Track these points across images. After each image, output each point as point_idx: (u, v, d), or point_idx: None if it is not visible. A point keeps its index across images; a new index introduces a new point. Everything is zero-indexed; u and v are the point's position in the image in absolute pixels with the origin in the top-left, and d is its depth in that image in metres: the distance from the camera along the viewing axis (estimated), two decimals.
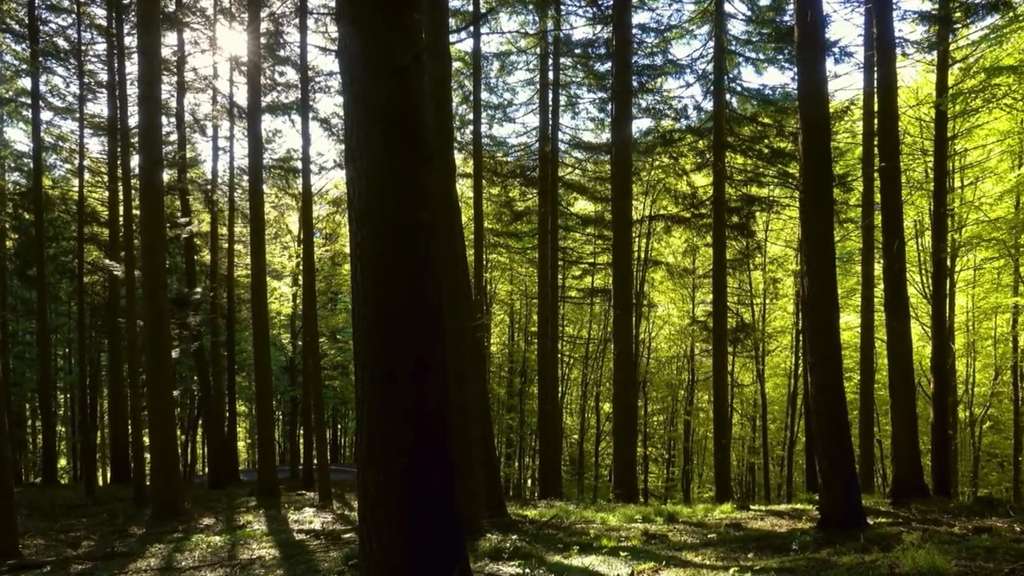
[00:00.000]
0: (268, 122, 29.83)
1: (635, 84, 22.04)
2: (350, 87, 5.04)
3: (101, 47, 25.49)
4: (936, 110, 16.80)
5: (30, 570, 10.60)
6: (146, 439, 19.78)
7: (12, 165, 29.44)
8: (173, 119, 23.89)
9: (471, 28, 19.94)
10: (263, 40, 20.67)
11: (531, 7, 21.31)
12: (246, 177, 23.65)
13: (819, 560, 7.36)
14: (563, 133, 26.07)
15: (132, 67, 20.85)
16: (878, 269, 17.49)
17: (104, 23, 24.31)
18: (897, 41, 15.49)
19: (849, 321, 24.37)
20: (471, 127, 22.83)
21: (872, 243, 18.30)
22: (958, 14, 15.17)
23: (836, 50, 18.65)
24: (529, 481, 36.86)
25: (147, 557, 11.23)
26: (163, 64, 20.18)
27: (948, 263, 19.72)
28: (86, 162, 26.82)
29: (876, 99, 15.18)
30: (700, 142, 23.17)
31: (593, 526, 12.14)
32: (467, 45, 23.08)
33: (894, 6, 14.67)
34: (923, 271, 21.72)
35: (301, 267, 23.59)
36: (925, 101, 20.42)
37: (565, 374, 34.38)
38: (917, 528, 9.56)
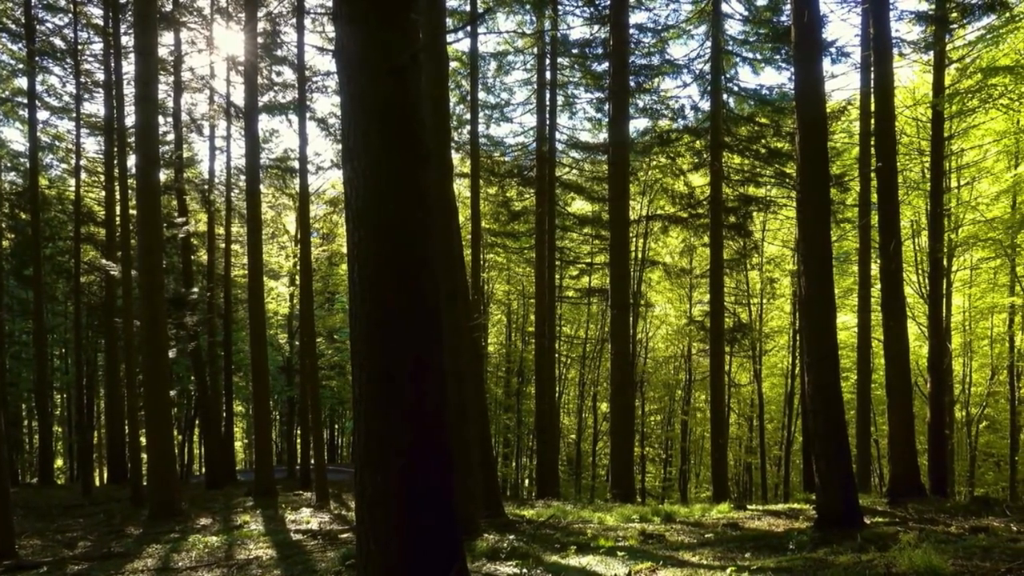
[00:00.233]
0: (265, 122, 29.79)
1: (632, 84, 22.05)
2: (347, 87, 5.04)
3: (98, 47, 25.48)
4: (933, 110, 16.81)
5: (26, 570, 10.58)
6: (143, 439, 19.70)
7: (8, 165, 29.38)
8: (170, 119, 23.87)
9: (468, 28, 19.94)
10: (260, 40, 20.64)
11: (528, 7, 21.32)
12: (243, 177, 23.62)
13: (816, 560, 7.37)
14: (560, 133, 26.10)
15: (129, 67, 20.86)
16: (875, 269, 17.53)
17: (100, 23, 24.26)
18: (894, 41, 15.51)
19: (846, 321, 24.39)
20: (468, 127, 22.85)
21: (869, 243, 18.32)
22: (955, 14, 15.21)
23: (833, 50, 18.68)
24: (526, 481, 36.88)
25: (144, 557, 11.21)
26: (160, 64, 20.16)
27: (945, 263, 19.75)
28: (83, 162, 26.79)
29: (873, 99, 15.21)
30: (697, 142, 23.20)
31: (590, 526, 12.14)
32: (464, 45, 23.13)
33: (891, 6, 14.69)
34: (920, 271, 21.75)
35: (298, 267, 23.58)
36: (922, 101, 20.45)
37: (562, 374, 34.39)
38: (914, 528, 9.58)
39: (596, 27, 23.10)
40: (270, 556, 10.54)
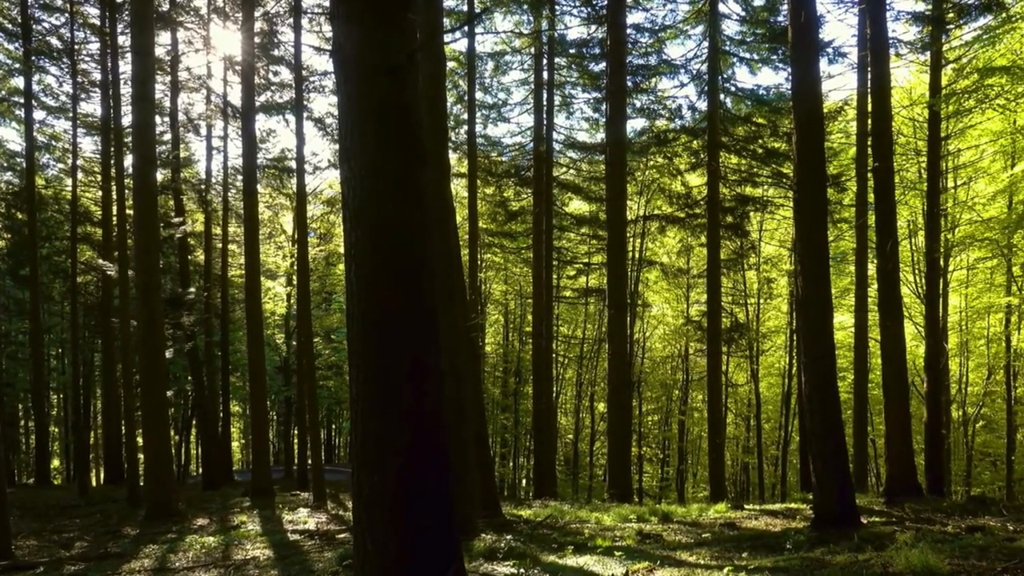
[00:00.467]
0: (262, 122, 29.76)
1: (629, 84, 22.05)
2: (344, 87, 5.03)
3: (94, 46, 25.42)
4: (929, 110, 16.84)
5: (23, 571, 10.56)
6: (139, 439, 19.70)
7: (5, 164, 29.34)
8: (167, 118, 23.83)
9: (466, 28, 19.94)
10: (257, 40, 20.62)
11: (525, 7, 21.34)
12: (240, 177, 23.59)
13: (813, 559, 7.38)
14: (558, 133, 26.12)
15: (126, 66, 20.82)
16: (872, 269, 17.56)
17: (97, 22, 24.22)
18: (891, 41, 15.53)
19: (843, 321, 24.42)
20: (466, 127, 22.84)
21: (866, 243, 18.36)
22: (951, 15, 15.23)
23: (830, 50, 18.70)
24: (524, 481, 36.88)
25: (140, 558, 11.19)
26: (157, 63, 20.13)
27: (941, 263, 19.75)
28: (79, 161, 26.72)
29: (870, 99, 15.24)
30: (694, 142, 23.22)
31: (588, 526, 12.14)
32: (462, 45, 23.08)
33: (888, 6, 14.74)
34: (916, 271, 21.78)
35: (295, 267, 23.56)
36: (918, 101, 20.48)
37: (560, 374, 34.40)
38: (911, 527, 9.59)
39: (593, 27, 23.13)
40: (267, 556, 10.53)
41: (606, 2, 21.25)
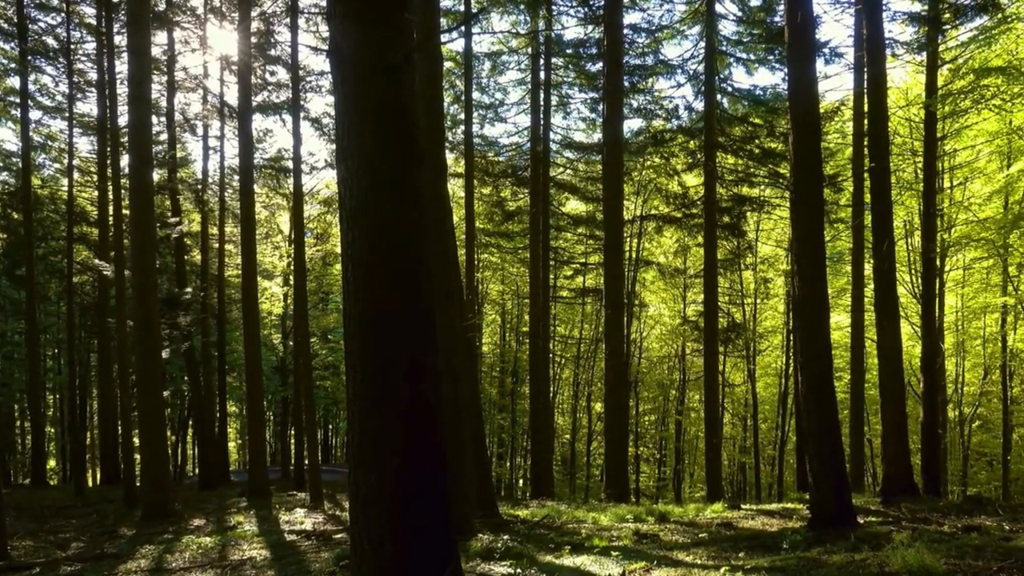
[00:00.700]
0: (259, 122, 29.81)
1: (626, 84, 22.07)
2: (341, 87, 5.03)
3: (91, 46, 25.36)
4: (926, 111, 16.87)
5: (19, 572, 10.54)
6: (136, 440, 19.68)
7: (1, 164, 29.25)
8: (163, 118, 23.79)
9: (462, 28, 19.93)
10: (254, 39, 20.61)
11: (522, 7, 21.32)
12: (237, 177, 23.55)
13: (809, 559, 7.39)
14: (554, 133, 26.11)
15: (122, 66, 20.80)
16: (868, 269, 17.58)
17: (94, 22, 24.18)
18: (887, 42, 15.56)
19: (839, 321, 24.45)
20: (462, 127, 22.83)
21: (862, 243, 18.39)
22: (947, 15, 15.25)
23: (826, 51, 18.71)
24: (521, 481, 36.87)
25: (137, 558, 11.17)
26: (153, 63, 20.10)
27: (938, 263, 19.81)
28: (75, 161, 26.66)
29: (866, 100, 15.25)
30: (691, 142, 23.23)
31: (585, 526, 12.14)
32: (458, 45, 23.09)
33: (884, 7, 14.74)
34: (913, 271, 21.82)
35: (292, 267, 23.52)
36: (915, 102, 20.52)
37: (556, 374, 34.40)
38: (907, 527, 9.60)
39: (590, 27, 23.13)
40: (264, 557, 10.52)
41: (603, 2, 21.26)
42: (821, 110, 15.08)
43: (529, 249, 26.09)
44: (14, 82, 25.33)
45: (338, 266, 32.65)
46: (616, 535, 10.78)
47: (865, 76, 15.26)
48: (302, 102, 22.06)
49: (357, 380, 4.93)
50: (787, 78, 12.80)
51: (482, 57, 24.13)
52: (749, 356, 30.49)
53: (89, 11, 24.69)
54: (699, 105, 22.11)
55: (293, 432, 24.84)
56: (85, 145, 28.36)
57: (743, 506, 15.00)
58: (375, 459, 4.84)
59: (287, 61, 21.42)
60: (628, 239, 27.34)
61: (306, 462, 19.42)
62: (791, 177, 10.72)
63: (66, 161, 26.51)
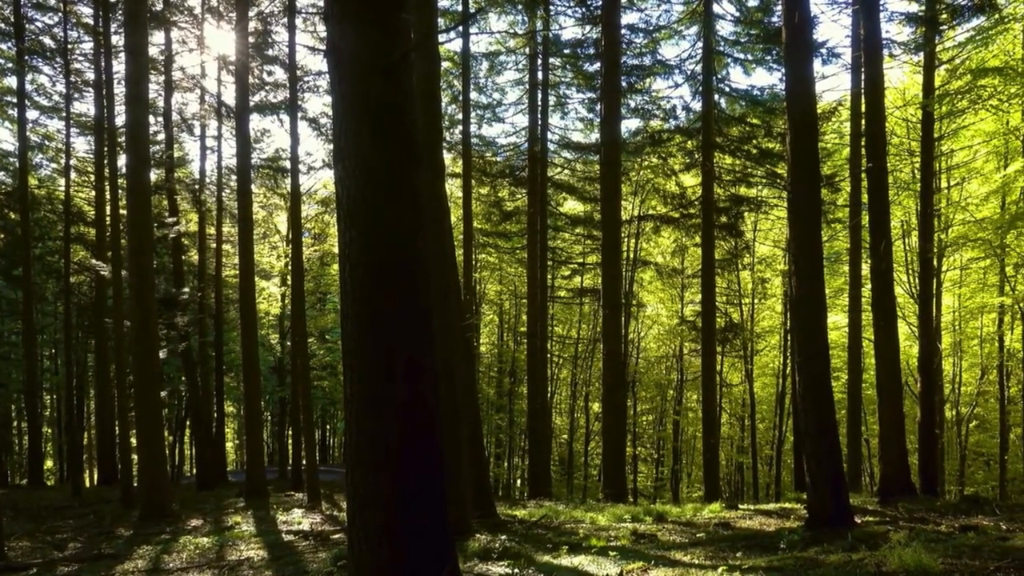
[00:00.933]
0: (256, 121, 29.69)
1: (624, 84, 22.08)
2: (338, 86, 5.03)
3: (88, 46, 25.33)
4: (923, 111, 16.89)
5: (16, 572, 10.52)
6: (133, 440, 19.66)
7: None
8: (160, 118, 23.75)
9: (460, 28, 19.93)
10: (251, 39, 20.58)
11: (520, 7, 21.32)
12: (234, 177, 23.56)
13: (807, 559, 7.39)
14: (552, 133, 26.11)
15: (119, 66, 20.72)
16: (865, 269, 17.59)
17: (91, 22, 24.13)
18: (884, 42, 15.58)
19: (837, 321, 24.47)
20: (460, 127, 22.84)
21: (859, 243, 18.39)
22: (944, 16, 15.26)
23: (824, 51, 18.74)
24: (518, 481, 36.86)
25: (134, 559, 11.16)
26: (150, 63, 20.06)
27: (935, 263, 19.82)
28: (73, 161, 26.63)
29: (863, 100, 15.26)
30: (689, 142, 23.22)
31: (582, 526, 12.15)
32: (456, 45, 23.10)
33: (881, 7, 14.75)
34: (910, 271, 21.85)
35: (290, 267, 23.53)
36: (912, 102, 20.53)
37: (554, 374, 34.39)
38: (904, 526, 9.62)
39: (588, 27, 23.13)
40: (261, 557, 10.52)
41: (601, 2, 21.27)
42: (819, 110, 15.08)
43: (527, 249, 26.09)
44: (11, 82, 25.31)
45: (336, 266, 32.60)
46: (614, 535, 10.79)
47: (862, 76, 15.28)
48: (300, 102, 22.04)
49: (354, 380, 4.93)
50: (784, 78, 12.82)
51: (480, 57, 24.14)
52: (747, 356, 30.51)
53: (86, 11, 24.67)
54: (697, 105, 22.12)
55: (291, 432, 24.80)
56: (82, 145, 28.33)
57: (741, 506, 15.01)
58: (372, 459, 4.85)
59: (285, 61, 21.40)
60: (626, 239, 27.35)
61: (304, 462, 19.41)
62: (788, 177, 10.72)
63: (63, 161, 26.47)
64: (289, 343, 27.62)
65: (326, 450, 47.17)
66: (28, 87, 25.21)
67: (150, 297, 15.81)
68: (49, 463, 37.88)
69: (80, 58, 25.63)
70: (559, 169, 28.33)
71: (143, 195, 15.82)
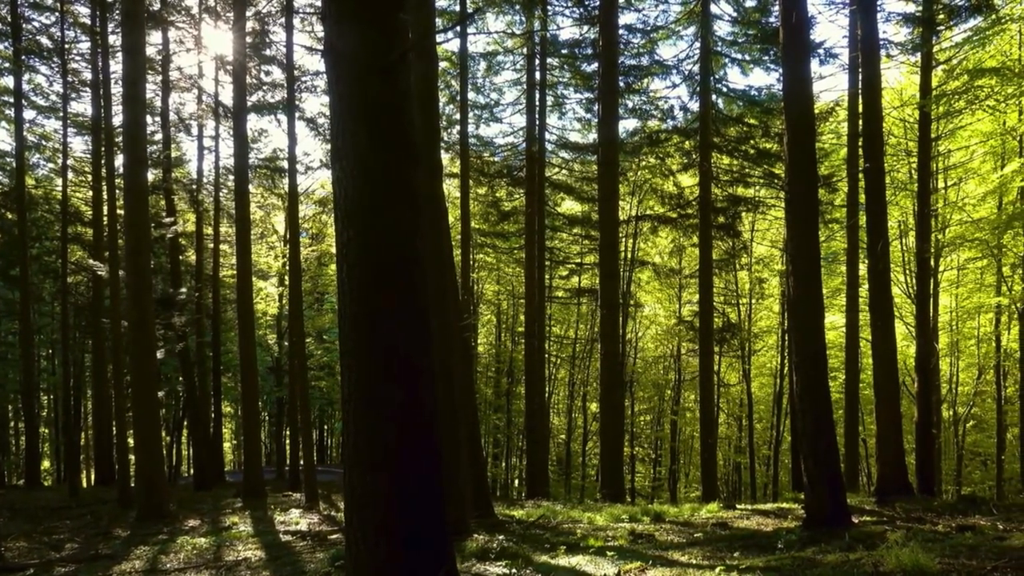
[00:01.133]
0: (254, 121, 29.72)
1: (621, 84, 22.08)
2: (336, 87, 5.03)
3: (85, 46, 25.31)
4: (920, 111, 16.91)
5: (13, 573, 10.51)
6: (131, 440, 19.59)
7: None
8: (158, 118, 23.74)
9: (458, 28, 19.93)
10: (249, 39, 20.56)
11: (518, 7, 21.31)
12: (232, 177, 23.52)
13: (804, 558, 7.39)
14: (550, 133, 26.12)
15: (116, 66, 20.70)
16: (863, 269, 17.60)
17: (88, 21, 24.11)
18: (882, 43, 15.58)
19: (834, 321, 24.50)
20: (458, 127, 22.82)
21: (857, 243, 18.40)
22: (942, 16, 15.29)
23: (821, 51, 18.73)
24: (516, 481, 36.88)
25: (132, 559, 11.15)
26: (148, 63, 20.03)
27: (932, 263, 19.85)
28: (70, 161, 26.61)
29: (861, 100, 15.28)
30: (686, 143, 23.25)
31: (580, 526, 12.15)
32: (454, 45, 23.09)
33: (879, 8, 14.77)
34: (907, 271, 21.87)
35: (287, 267, 23.51)
36: (909, 102, 20.57)
37: (552, 374, 34.41)
38: (901, 526, 9.63)
39: (585, 27, 23.14)
40: (259, 557, 10.51)
41: (598, 2, 21.28)
42: (816, 111, 15.08)
43: (525, 249, 26.10)
44: (8, 81, 25.28)
45: (333, 266, 32.61)
46: (612, 535, 10.79)
47: (860, 77, 15.30)
48: (297, 102, 22.02)
49: (352, 380, 4.93)
50: (782, 79, 12.84)
51: (477, 57, 24.14)
52: (744, 356, 30.53)
53: (83, 10, 24.64)
54: (694, 105, 22.13)
55: (288, 432, 24.82)
56: (79, 145, 28.32)
57: (738, 506, 15.02)
58: (370, 459, 4.84)
59: (282, 61, 21.38)
60: (623, 239, 27.36)
61: (301, 462, 19.39)
62: (786, 177, 10.74)
63: (60, 161, 26.45)
64: (287, 343, 27.61)
65: (324, 450, 47.13)
66: (25, 87, 25.19)
67: (147, 297, 15.80)
68: (46, 463, 37.80)
69: (77, 58, 25.62)
70: (557, 169, 28.34)
71: (140, 195, 15.80)
